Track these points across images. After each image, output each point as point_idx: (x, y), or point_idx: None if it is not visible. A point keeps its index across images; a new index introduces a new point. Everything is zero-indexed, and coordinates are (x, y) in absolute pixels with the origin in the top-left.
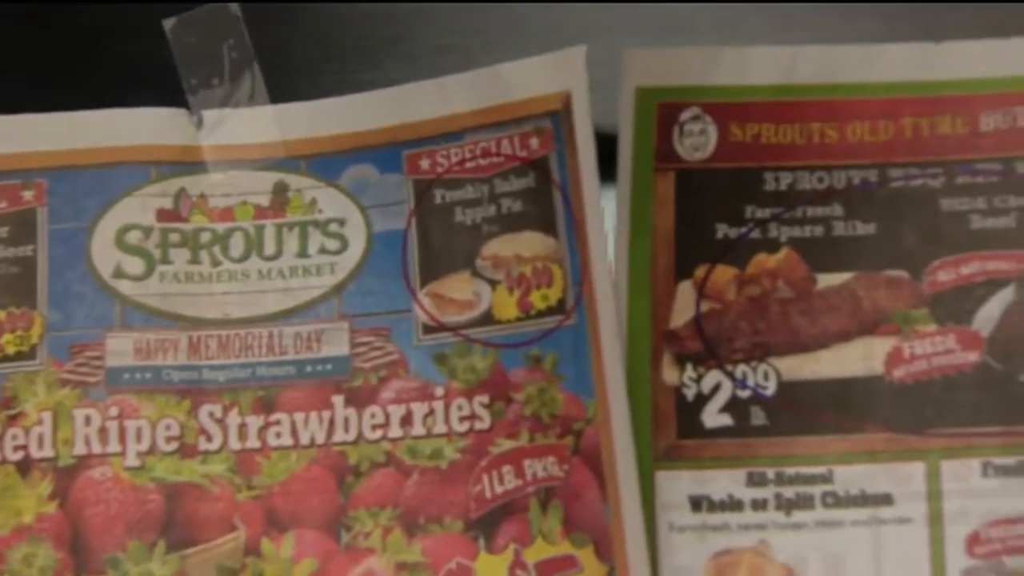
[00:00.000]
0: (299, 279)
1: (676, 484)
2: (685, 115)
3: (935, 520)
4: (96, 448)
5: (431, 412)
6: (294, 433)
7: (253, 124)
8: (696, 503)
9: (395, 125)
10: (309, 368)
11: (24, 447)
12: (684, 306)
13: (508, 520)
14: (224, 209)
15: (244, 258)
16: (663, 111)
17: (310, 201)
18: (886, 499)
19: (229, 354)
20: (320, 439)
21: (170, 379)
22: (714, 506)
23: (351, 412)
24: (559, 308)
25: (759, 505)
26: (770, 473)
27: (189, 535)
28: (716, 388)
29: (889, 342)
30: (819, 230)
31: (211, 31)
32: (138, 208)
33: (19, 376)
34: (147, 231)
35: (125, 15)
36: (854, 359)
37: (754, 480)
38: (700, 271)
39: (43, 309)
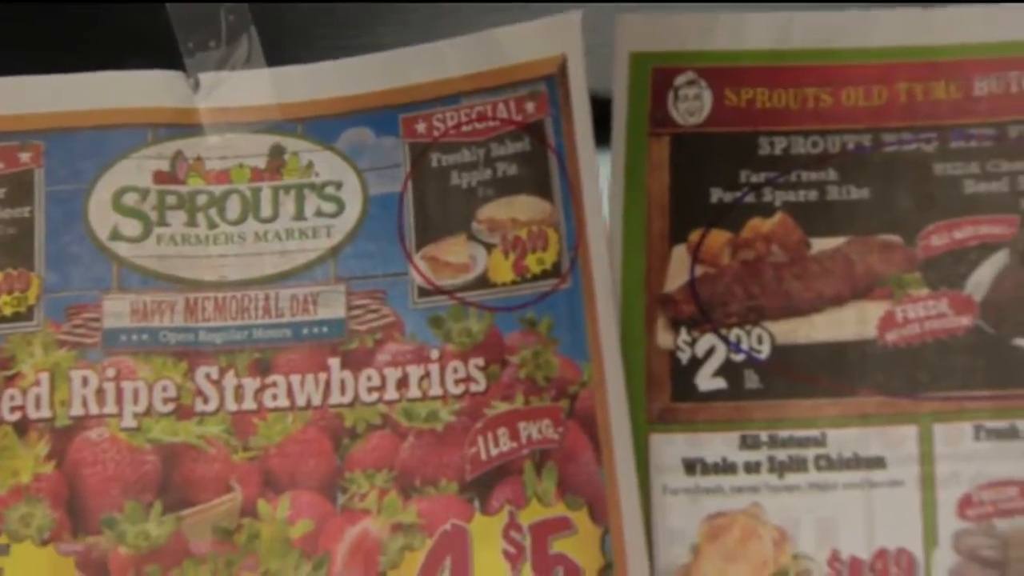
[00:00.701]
0: (295, 242)
1: (670, 447)
2: (680, 80)
3: (927, 483)
4: (93, 409)
5: (427, 375)
6: (290, 395)
7: (250, 87)
8: (690, 466)
9: (391, 89)
10: (305, 330)
11: (21, 408)
12: (678, 270)
13: (503, 482)
14: (221, 172)
15: (240, 220)
16: (657, 76)
17: (307, 164)
18: (878, 462)
19: (226, 316)
20: (316, 401)
21: (167, 341)
22: (707, 469)
23: (347, 375)
24: (554, 272)
25: (752, 468)
26: (763, 436)
27: (185, 496)
28: (710, 352)
29: (882, 306)
30: (813, 195)
31: None
32: (135, 170)
33: (16, 337)
34: (144, 193)
35: None
36: (847, 323)
37: (747, 443)
38: (694, 235)
39: (40, 270)
